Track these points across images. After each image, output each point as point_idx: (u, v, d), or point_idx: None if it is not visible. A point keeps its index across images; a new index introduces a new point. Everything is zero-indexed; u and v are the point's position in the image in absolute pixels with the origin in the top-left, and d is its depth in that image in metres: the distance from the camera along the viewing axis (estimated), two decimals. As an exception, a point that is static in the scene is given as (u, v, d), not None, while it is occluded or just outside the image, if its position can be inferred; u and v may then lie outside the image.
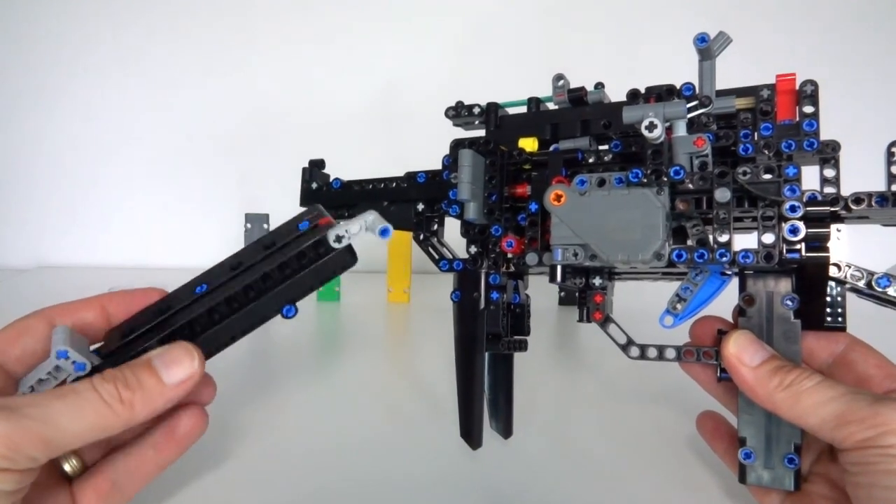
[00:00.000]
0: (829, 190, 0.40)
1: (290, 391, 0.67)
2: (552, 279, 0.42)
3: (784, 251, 0.37)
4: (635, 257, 0.39)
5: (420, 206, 0.52)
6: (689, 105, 0.41)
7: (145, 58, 1.26)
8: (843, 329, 0.39)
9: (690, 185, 0.39)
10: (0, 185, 1.27)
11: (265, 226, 0.99)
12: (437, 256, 0.51)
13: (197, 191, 1.30)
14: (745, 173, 0.38)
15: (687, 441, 0.54)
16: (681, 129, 0.40)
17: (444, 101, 0.53)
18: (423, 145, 0.68)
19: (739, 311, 0.41)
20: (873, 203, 0.38)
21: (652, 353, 0.44)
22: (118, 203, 1.29)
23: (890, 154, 0.40)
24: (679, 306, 0.43)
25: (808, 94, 0.40)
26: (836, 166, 0.40)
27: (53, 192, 1.28)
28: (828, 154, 0.40)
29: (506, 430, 0.51)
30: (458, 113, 0.53)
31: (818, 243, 0.35)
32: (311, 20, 1.31)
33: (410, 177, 0.53)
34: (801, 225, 0.35)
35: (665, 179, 0.39)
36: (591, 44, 1.29)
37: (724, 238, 0.39)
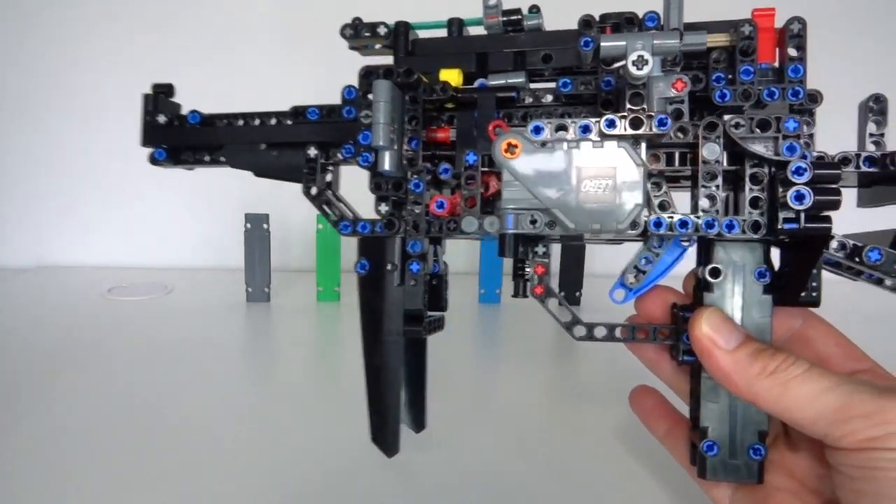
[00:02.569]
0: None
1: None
2: (502, 252, 0.33)
3: (779, 220, 0.31)
4: (610, 226, 0.32)
5: (312, 152, 0.40)
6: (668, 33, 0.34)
7: (146, 57, 1.26)
8: (817, 303, 0.35)
9: (670, 138, 0.32)
10: (0, 185, 1.29)
11: (265, 226, 0.99)
12: (335, 216, 0.40)
13: (197, 191, 1.30)
14: (737, 125, 0.31)
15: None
16: (656, 69, 0.33)
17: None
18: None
19: (703, 285, 0.36)
20: (861, 165, 0.33)
21: (600, 332, 0.38)
22: (118, 203, 1.30)
23: (868, 109, 0.35)
24: (636, 279, 0.37)
25: (795, 33, 0.34)
26: (813, 121, 0.35)
27: (53, 191, 1.30)
28: (807, 105, 0.35)
29: (418, 422, 0.43)
30: (357, 32, 0.41)
31: (822, 212, 0.30)
32: (310, 24, 1.24)
33: (298, 112, 0.41)
34: (808, 191, 0.30)
35: (646, 131, 0.31)
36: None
37: (705, 204, 0.32)
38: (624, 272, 0.37)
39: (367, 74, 0.37)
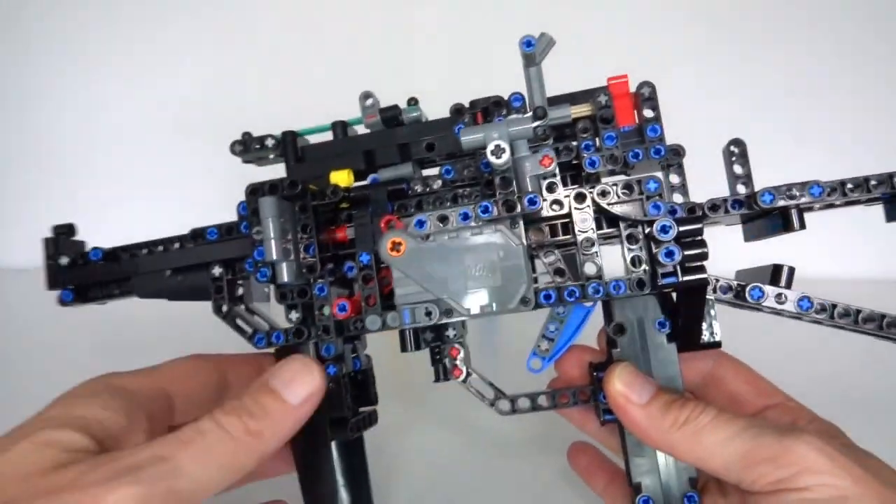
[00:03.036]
0: (677, 197, 0.37)
1: None
2: (404, 348, 0.34)
3: (658, 276, 0.32)
4: (500, 306, 0.32)
5: (216, 271, 0.41)
6: (522, 117, 0.36)
7: (146, 57, 1.21)
8: (718, 345, 0.36)
9: (544, 213, 0.34)
10: (0, 185, 1.23)
11: None
12: (249, 331, 0.40)
13: (196, 191, 1.20)
14: (603, 193, 0.33)
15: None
16: (523, 149, 0.35)
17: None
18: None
19: (609, 342, 0.37)
20: (729, 209, 0.35)
21: (524, 403, 0.38)
22: (118, 203, 1.22)
23: (730, 154, 0.38)
24: (547, 346, 0.38)
25: (647, 97, 0.36)
26: (682, 172, 0.37)
27: (53, 191, 1.23)
28: (672, 160, 0.36)
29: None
30: (247, 147, 0.43)
31: (696, 263, 0.31)
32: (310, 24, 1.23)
33: (197, 234, 0.42)
34: (676, 248, 0.31)
35: (519, 211, 0.32)
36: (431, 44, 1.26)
37: (591, 269, 0.34)
38: (537, 342, 0.38)
39: (253, 192, 0.38)
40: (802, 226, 0.34)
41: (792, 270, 0.34)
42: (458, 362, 0.38)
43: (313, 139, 0.44)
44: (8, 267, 1.23)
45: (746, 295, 0.34)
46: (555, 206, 0.34)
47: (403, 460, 0.56)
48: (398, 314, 0.33)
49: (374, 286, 0.36)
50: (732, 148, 0.38)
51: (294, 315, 0.39)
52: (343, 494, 0.40)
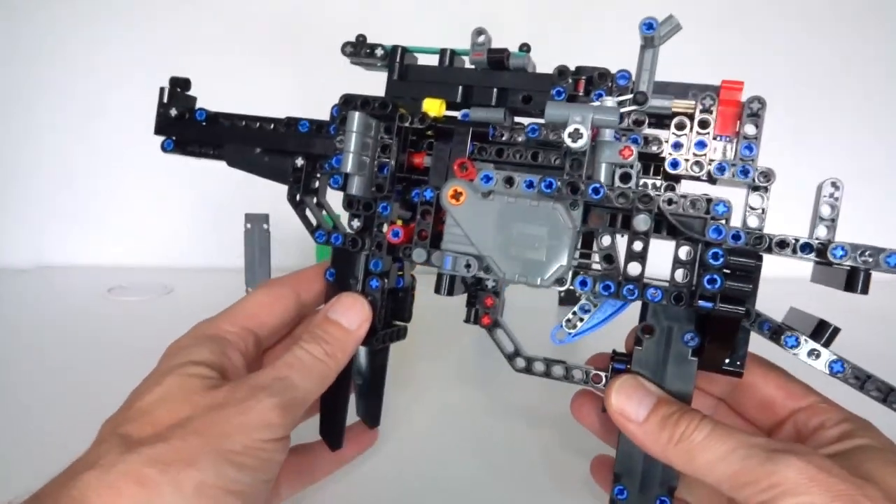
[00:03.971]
0: (753, 222, 0.35)
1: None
2: (438, 290, 0.36)
3: (697, 295, 0.32)
4: (534, 279, 0.34)
5: (299, 162, 0.44)
6: (620, 98, 0.35)
7: (147, 58, 1.23)
8: (739, 375, 0.36)
9: (607, 204, 0.34)
10: (0, 185, 1.26)
11: (265, 226, 0.99)
12: (313, 224, 0.43)
13: (197, 191, 1.28)
14: (670, 202, 0.33)
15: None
16: (607, 133, 0.34)
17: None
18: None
19: (636, 340, 0.37)
20: (798, 250, 0.34)
21: (538, 367, 0.40)
22: (118, 203, 1.29)
23: (824, 192, 0.36)
24: (575, 324, 0.39)
25: (754, 112, 0.35)
26: (765, 198, 0.36)
27: (53, 192, 1.28)
28: (760, 183, 0.35)
29: (373, 418, 0.47)
30: (357, 51, 0.44)
31: (737, 296, 0.31)
32: (310, 23, 1.25)
33: (291, 123, 0.44)
34: (721, 277, 0.31)
35: (580, 197, 0.33)
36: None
37: (635, 270, 0.34)
38: (567, 314, 0.39)
39: (346, 102, 0.40)
40: (864, 290, 0.32)
41: (835, 332, 0.33)
42: (489, 311, 0.40)
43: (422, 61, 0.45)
44: (8, 267, 1.24)
45: (781, 339, 0.34)
46: (621, 200, 0.34)
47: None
48: (441, 258, 0.35)
49: (429, 222, 0.38)
50: (828, 187, 0.36)
51: (356, 223, 0.42)
52: (357, 384, 0.44)
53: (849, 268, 0.33)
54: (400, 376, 0.49)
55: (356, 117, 0.38)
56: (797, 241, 0.34)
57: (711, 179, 0.36)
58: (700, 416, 0.33)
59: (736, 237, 0.33)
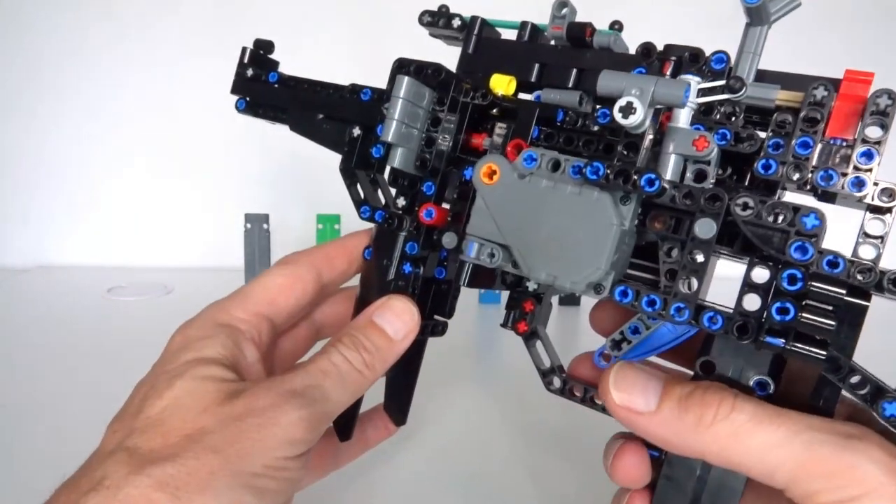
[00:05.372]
0: (867, 252, 0.28)
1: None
2: (458, 279, 0.32)
3: (765, 328, 0.25)
4: (563, 281, 0.28)
5: (356, 132, 0.41)
6: (707, 85, 0.29)
7: (147, 58, 1.24)
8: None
9: (670, 202, 0.28)
10: (0, 185, 1.26)
11: (265, 226, 0.99)
12: (360, 198, 0.40)
13: (196, 190, 1.28)
14: (745, 207, 0.26)
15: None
16: (681, 118, 0.28)
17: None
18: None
19: (694, 375, 0.30)
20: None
21: (578, 391, 0.34)
22: (118, 203, 1.28)
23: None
24: (621, 346, 0.33)
25: (881, 109, 0.27)
26: (887, 222, 0.28)
27: (53, 192, 1.27)
28: (881, 203, 0.27)
29: (400, 416, 0.43)
30: (435, 21, 0.41)
31: (815, 336, 0.24)
32: (312, 23, 1.26)
33: (354, 90, 0.42)
34: (794, 307, 0.24)
35: (632, 187, 0.27)
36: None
37: (689, 287, 0.27)
38: (613, 335, 0.33)
39: (400, 66, 0.36)
40: None
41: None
42: (527, 317, 0.35)
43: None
44: (8, 267, 1.23)
45: (878, 406, 0.26)
46: (686, 201, 0.27)
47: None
48: (465, 244, 0.31)
49: (466, 205, 0.34)
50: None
51: (402, 202, 0.38)
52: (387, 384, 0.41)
53: None
54: (434, 375, 0.45)
55: (405, 82, 0.34)
56: (916, 280, 0.26)
57: (815, 191, 0.28)
58: (733, 393, 0.26)
59: (833, 265, 0.25)
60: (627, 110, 0.26)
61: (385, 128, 0.35)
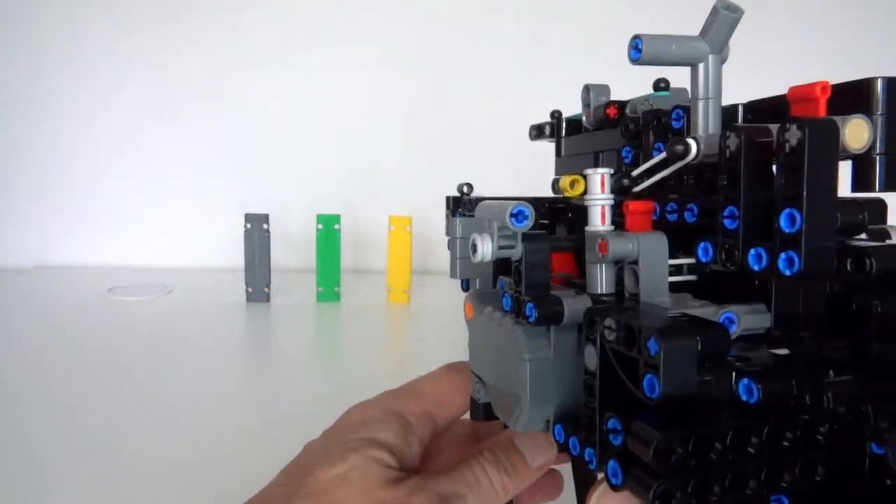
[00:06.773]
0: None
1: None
2: (473, 415, 0.32)
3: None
4: (509, 421, 0.27)
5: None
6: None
7: (147, 58, 1.27)
8: None
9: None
10: (0, 185, 1.29)
11: (265, 226, 1.01)
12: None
13: (197, 191, 1.31)
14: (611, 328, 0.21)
15: None
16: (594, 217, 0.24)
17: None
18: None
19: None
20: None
21: None
22: (118, 203, 1.31)
23: None
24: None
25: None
26: None
27: (53, 192, 1.30)
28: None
29: None
30: (541, 132, 0.42)
31: None
32: (312, 22, 1.25)
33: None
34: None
35: (521, 318, 0.24)
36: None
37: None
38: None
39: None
40: None
41: None
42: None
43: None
44: (8, 267, 1.23)
45: None
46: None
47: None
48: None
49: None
50: None
51: None
52: None
53: None
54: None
55: (457, 223, 0.37)
56: None
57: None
58: None
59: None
60: (474, 248, 0.24)
61: (451, 268, 0.37)
